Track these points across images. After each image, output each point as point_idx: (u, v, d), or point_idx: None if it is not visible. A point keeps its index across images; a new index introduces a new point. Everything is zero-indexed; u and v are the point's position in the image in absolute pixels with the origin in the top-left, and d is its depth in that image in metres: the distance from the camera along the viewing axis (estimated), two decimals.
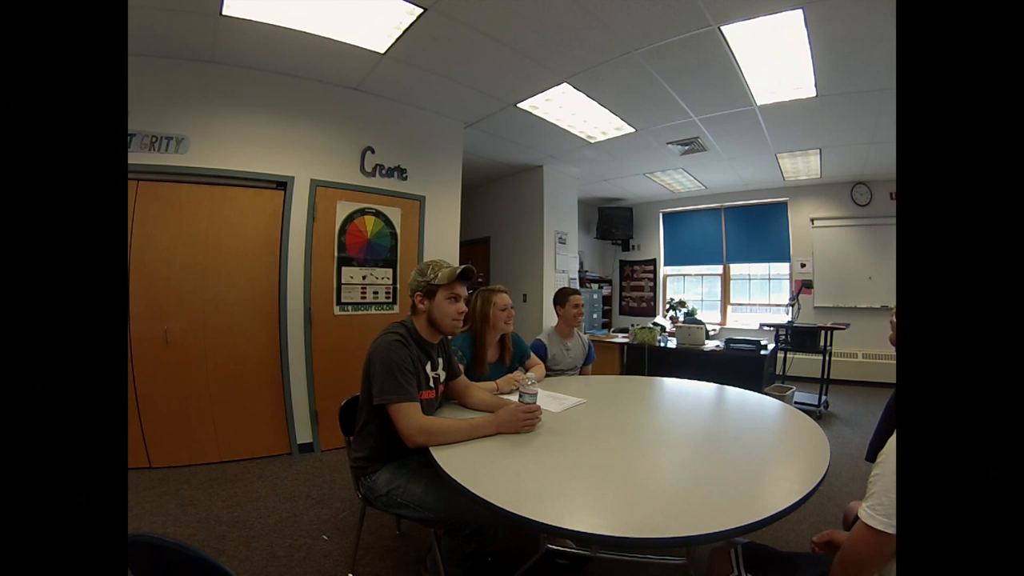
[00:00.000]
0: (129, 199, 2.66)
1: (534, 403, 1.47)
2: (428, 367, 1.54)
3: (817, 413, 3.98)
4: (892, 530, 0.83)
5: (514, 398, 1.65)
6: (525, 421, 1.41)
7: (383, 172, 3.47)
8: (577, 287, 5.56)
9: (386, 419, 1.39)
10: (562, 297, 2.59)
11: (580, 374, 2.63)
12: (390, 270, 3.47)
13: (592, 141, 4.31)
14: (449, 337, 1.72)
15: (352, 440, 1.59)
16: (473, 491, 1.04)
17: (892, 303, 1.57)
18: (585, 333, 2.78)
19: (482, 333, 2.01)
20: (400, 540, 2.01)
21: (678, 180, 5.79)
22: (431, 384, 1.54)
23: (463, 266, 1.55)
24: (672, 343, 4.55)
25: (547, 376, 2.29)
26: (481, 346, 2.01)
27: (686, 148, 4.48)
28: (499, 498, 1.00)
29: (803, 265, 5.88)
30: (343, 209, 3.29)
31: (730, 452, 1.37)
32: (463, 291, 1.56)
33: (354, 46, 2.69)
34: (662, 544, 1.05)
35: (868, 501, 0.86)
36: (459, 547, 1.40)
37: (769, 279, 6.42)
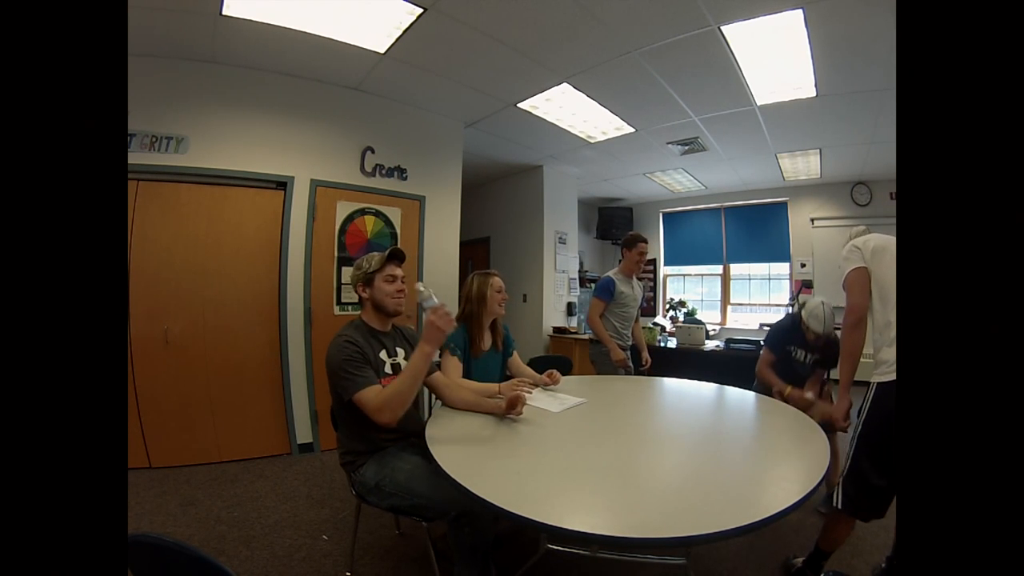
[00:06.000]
0: (129, 199, 2.66)
1: (434, 304, 1.42)
2: (383, 354, 1.60)
3: None
4: (864, 263, 1.58)
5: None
6: (440, 321, 1.37)
7: (383, 172, 3.47)
8: (566, 287, 5.59)
9: (352, 413, 1.47)
10: (631, 242, 2.85)
11: (635, 318, 3.04)
12: None
13: (592, 141, 4.31)
14: (403, 327, 1.77)
15: (338, 438, 1.65)
16: (473, 491, 1.04)
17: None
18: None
19: (478, 315, 2.02)
20: (400, 540, 2.01)
21: (678, 180, 5.79)
22: (388, 370, 1.59)
23: (390, 248, 1.63)
24: (672, 343, 4.55)
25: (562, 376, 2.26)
26: (476, 328, 2.02)
27: (686, 148, 4.48)
28: (499, 498, 0.99)
29: (803, 265, 5.88)
30: (343, 209, 3.29)
31: (730, 452, 1.37)
32: (398, 271, 1.63)
33: (354, 46, 2.69)
34: (662, 544, 1.05)
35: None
36: (459, 541, 1.39)
37: (769, 279, 6.42)
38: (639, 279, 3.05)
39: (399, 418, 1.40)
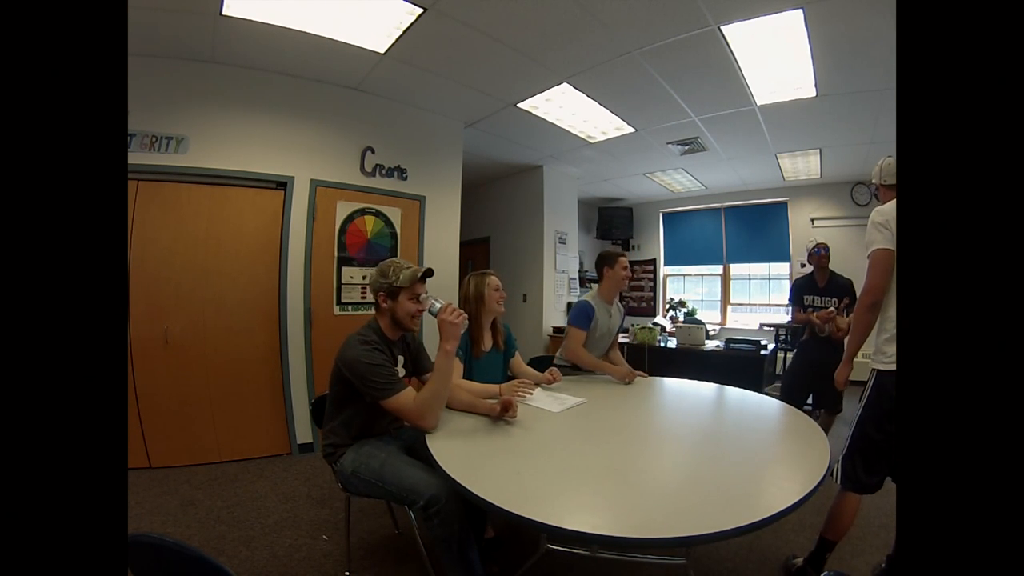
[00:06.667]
0: (129, 199, 2.66)
1: (441, 306, 1.52)
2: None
3: (817, 413, 3.98)
4: (891, 245, 1.44)
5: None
6: (452, 317, 1.48)
7: (383, 172, 3.47)
8: (566, 287, 5.57)
9: (348, 406, 1.55)
10: (611, 257, 2.44)
11: (611, 345, 2.55)
12: None
13: (592, 141, 4.31)
14: (413, 333, 1.78)
15: (323, 432, 1.68)
16: (473, 491, 1.04)
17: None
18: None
19: (477, 315, 2.01)
20: (398, 538, 2.01)
21: (678, 180, 5.79)
22: None
23: (424, 268, 1.62)
24: (672, 343, 4.55)
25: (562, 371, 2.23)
26: (477, 328, 2.01)
27: (686, 148, 4.48)
28: (499, 498, 1.00)
29: (803, 265, 5.88)
30: (343, 209, 3.29)
31: (730, 452, 1.37)
32: (424, 290, 1.63)
33: (354, 46, 2.69)
34: (662, 544, 1.05)
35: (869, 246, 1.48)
36: (432, 533, 1.35)
37: (769, 279, 6.42)
38: (621, 300, 2.63)
39: (439, 420, 1.46)
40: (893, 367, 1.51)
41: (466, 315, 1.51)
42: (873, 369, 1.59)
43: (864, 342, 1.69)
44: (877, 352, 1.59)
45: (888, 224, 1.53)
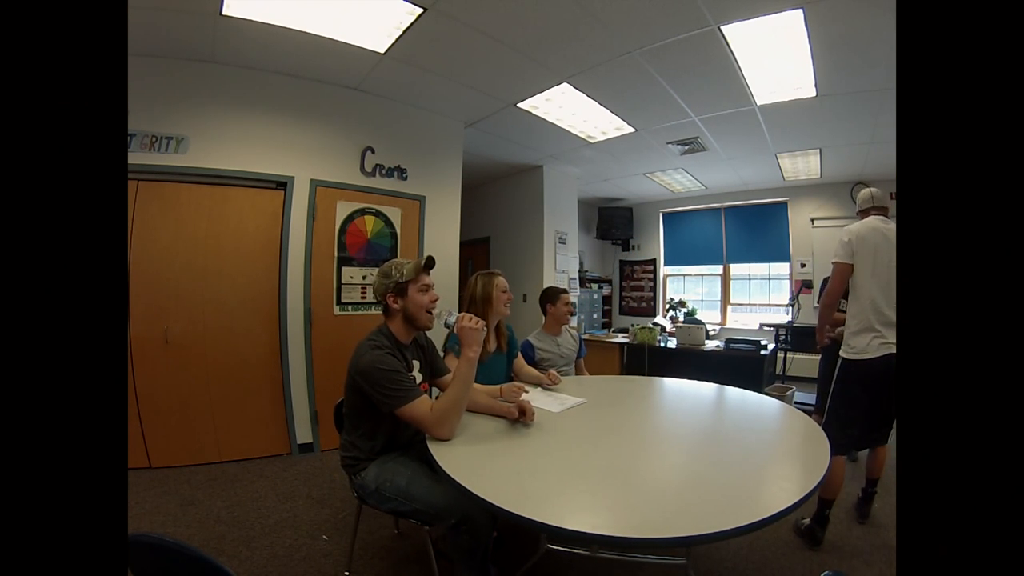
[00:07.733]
0: (129, 199, 2.66)
1: (458, 315, 1.51)
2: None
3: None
4: (849, 259, 1.95)
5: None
6: (472, 323, 1.47)
7: (383, 172, 3.47)
8: (566, 287, 5.57)
9: (365, 417, 1.48)
10: (554, 295, 2.60)
11: (575, 371, 2.66)
12: None
13: (592, 141, 4.31)
14: (426, 332, 1.73)
15: (341, 442, 1.62)
16: (473, 491, 1.04)
17: None
18: (574, 328, 2.79)
19: (484, 317, 1.95)
20: (398, 539, 2.01)
21: (678, 180, 5.79)
22: None
23: (425, 256, 1.58)
24: (672, 343, 4.55)
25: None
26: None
27: (686, 148, 4.48)
28: (499, 498, 1.00)
29: (803, 265, 5.88)
30: (343, 209, 3.29)
31: (730, 452, 1.37)
32: (430, 280, 1.60)
33: (354, 46, 2.69)
34: (662, 544, 1.05)
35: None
36: (457, 543, 1.38)
37: (769, 279, 6.42)
38: (571, 329, 2.72)
39: (456, 429, 1.40)
40: (856, 357, 1.94)
41: (484, 321, 1.49)
42: (840, 357, 2.02)
43: (825, 326, 2.23)
44: (844, 344, 2.01)
45: (850, 242, 1.98)
